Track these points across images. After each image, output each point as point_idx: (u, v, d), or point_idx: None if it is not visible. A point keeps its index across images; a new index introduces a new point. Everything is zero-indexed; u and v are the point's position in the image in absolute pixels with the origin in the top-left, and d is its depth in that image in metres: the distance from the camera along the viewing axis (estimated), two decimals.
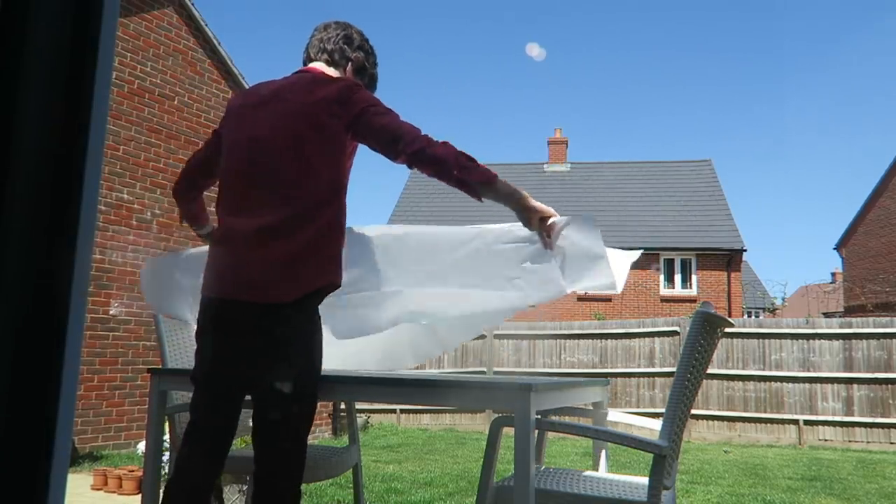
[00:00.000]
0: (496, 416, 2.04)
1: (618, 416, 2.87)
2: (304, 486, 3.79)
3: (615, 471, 5.07)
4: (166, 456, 3.27)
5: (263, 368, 1.92)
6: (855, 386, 9.74)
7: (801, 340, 10.07)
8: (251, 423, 1.95)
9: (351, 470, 2.90)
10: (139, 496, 2.44)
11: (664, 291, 19.16)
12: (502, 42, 60.29)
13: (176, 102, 7.95)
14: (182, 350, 2.78)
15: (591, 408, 2.77)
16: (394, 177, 70.23)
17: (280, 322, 1.88)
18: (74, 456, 6.18)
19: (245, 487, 4.09)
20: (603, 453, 2.74)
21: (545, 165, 23.33)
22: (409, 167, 1.98)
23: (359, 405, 10.10)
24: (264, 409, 1.93)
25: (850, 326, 9.99)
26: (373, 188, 70.84)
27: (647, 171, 22.48)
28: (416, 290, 2.15)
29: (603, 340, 10.88)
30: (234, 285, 1.93)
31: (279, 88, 2.08)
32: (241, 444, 4.37)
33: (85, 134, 0.54)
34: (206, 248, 2.23)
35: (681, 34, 58.78)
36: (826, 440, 9.75)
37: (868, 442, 9.57)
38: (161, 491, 2.06)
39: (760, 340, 10.23)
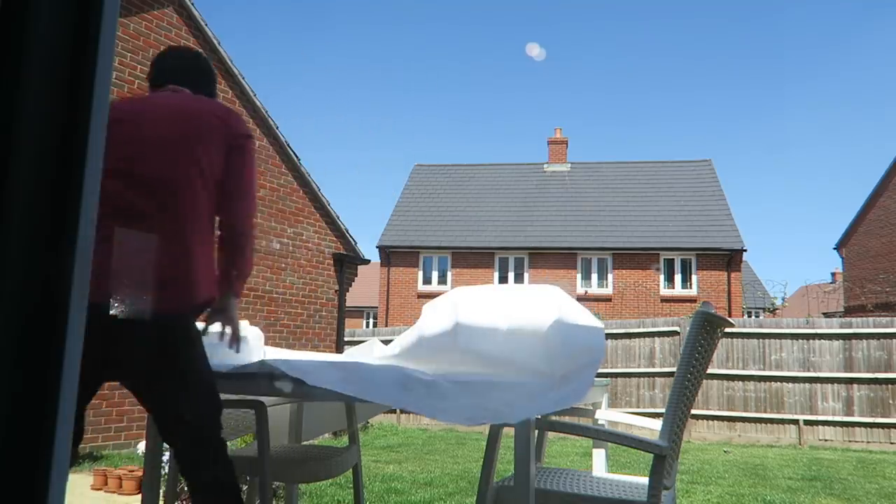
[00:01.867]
0: None
1: (617, 416, 2.86)
2: (304, 487, 3.80)
3: (615, 471, 5.06)
4: (166, 456, 3.27)
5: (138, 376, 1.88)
6: (855, 386, 9.75)
7: (801, 340, 10.08)
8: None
9: (351, 470, 2.90)
10: (139, 496, 2.44)
11: (664, 291, 19.16)
12: (502, 42, 60.25)
13: None
14: None
15: (590, 408, 2.77)
16: (394, 178, 70.26)
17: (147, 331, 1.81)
18: (74, 456, 6.18)
19: (245, 488, 4.09)
20: (602, 453, 2.73)
21: (545, 165, 23.33)
22: (220, 230, 1.98)
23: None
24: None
25: (850, 326, 9.99)
26: (375, 188, 70.84)
27: (647, 171, 22.49)
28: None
29: None
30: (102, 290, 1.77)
31: (157, 96, 2.08)
32: (241, 444, 4.38)
33: (85, 134, 0.54)
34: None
35: (681, 34, 58.73)
36: (826, 440, 9.75)
37: (868, 442, 9.57)
38: (161, 491, 2.05)
39: (760, 340, 10.23)
